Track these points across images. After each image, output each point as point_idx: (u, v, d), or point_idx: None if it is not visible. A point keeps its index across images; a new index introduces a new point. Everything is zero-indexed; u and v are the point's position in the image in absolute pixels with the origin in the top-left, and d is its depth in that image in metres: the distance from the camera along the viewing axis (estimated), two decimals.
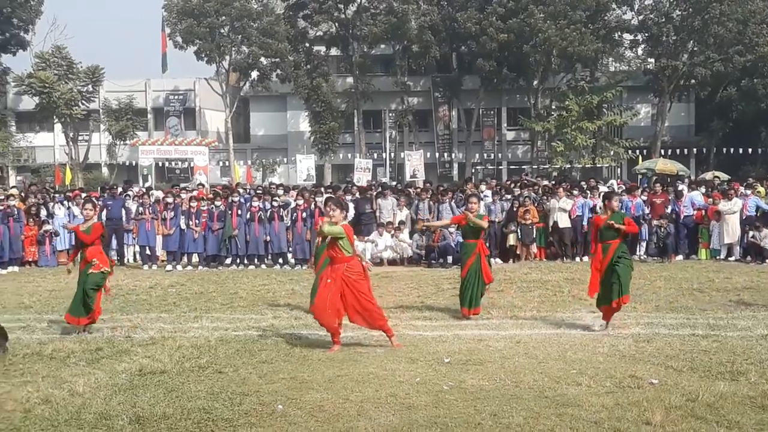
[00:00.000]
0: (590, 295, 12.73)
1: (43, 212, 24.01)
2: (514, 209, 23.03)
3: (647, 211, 23.04)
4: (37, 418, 7.95)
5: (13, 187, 40.12)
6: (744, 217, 22.53)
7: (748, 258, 21.89)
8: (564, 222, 22.70)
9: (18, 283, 19.74)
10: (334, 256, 11.11)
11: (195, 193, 26.01)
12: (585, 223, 22.65)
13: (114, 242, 23.10)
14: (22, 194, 26.11)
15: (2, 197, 24.01)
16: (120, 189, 25.38)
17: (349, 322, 11.31)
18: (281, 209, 22.78)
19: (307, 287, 15.77)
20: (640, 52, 55.16)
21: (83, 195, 25.33)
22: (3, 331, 11.19)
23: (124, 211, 23.52)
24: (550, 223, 22.99)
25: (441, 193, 24.22)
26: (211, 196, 23.98)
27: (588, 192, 23.82)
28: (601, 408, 7.92)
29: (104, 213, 22.65)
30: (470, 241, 13.93)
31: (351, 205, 21.93)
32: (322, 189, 26.27)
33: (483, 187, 25.84)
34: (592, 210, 22.14)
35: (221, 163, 56.69)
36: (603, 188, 25.53)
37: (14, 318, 13.97)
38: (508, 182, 29.98)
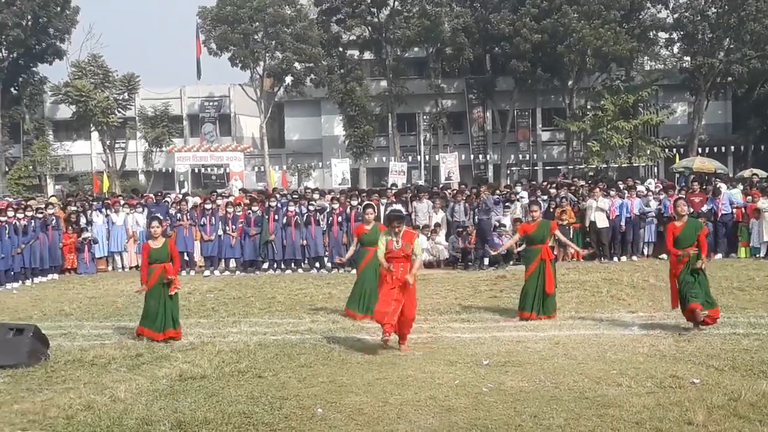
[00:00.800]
0: (673, 308, 12.50)
1: (83, 220, 24.25)
2: (551, 210, 22.92)
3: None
4: (79, 424, 8.05)
5: (52, 195, 40.62)
6: None
7: None
8: (602, 222, 22.53)
9: (58, 290, 19.96)
10: (401, 256, 10.98)
11: (232, 198, 26.13)
12: (623, 223, 22.59)
13: None
14: (61, 202, 26.39)
15: (41, 206, 24.28)
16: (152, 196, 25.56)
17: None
18: (317, 213, 22.81)
19: (345, 291, 15.80)
20: (675, 50, 54.67)
21: (121, 201, 25.63)
22: (44, 338, 11.33)
23: (168, 218, 23.63)
24: (587, 224, 22.86)
25: (476, 195, 24.15)
26: (247, 201, 24.07)
27: (625, 192, 23.61)
28: (643, 408, 7.88)
29: None
30: (534, 246, 13.86)
31: (383, 209, 21.83)
32: (357, 192, 26.27)
33: (518, 188, 25.71)
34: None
35: (256, 169, 56.85)
36: (640, 187, 25.29)
37: (55, 325, 14.11)
38: (545, 183, 29.82)
